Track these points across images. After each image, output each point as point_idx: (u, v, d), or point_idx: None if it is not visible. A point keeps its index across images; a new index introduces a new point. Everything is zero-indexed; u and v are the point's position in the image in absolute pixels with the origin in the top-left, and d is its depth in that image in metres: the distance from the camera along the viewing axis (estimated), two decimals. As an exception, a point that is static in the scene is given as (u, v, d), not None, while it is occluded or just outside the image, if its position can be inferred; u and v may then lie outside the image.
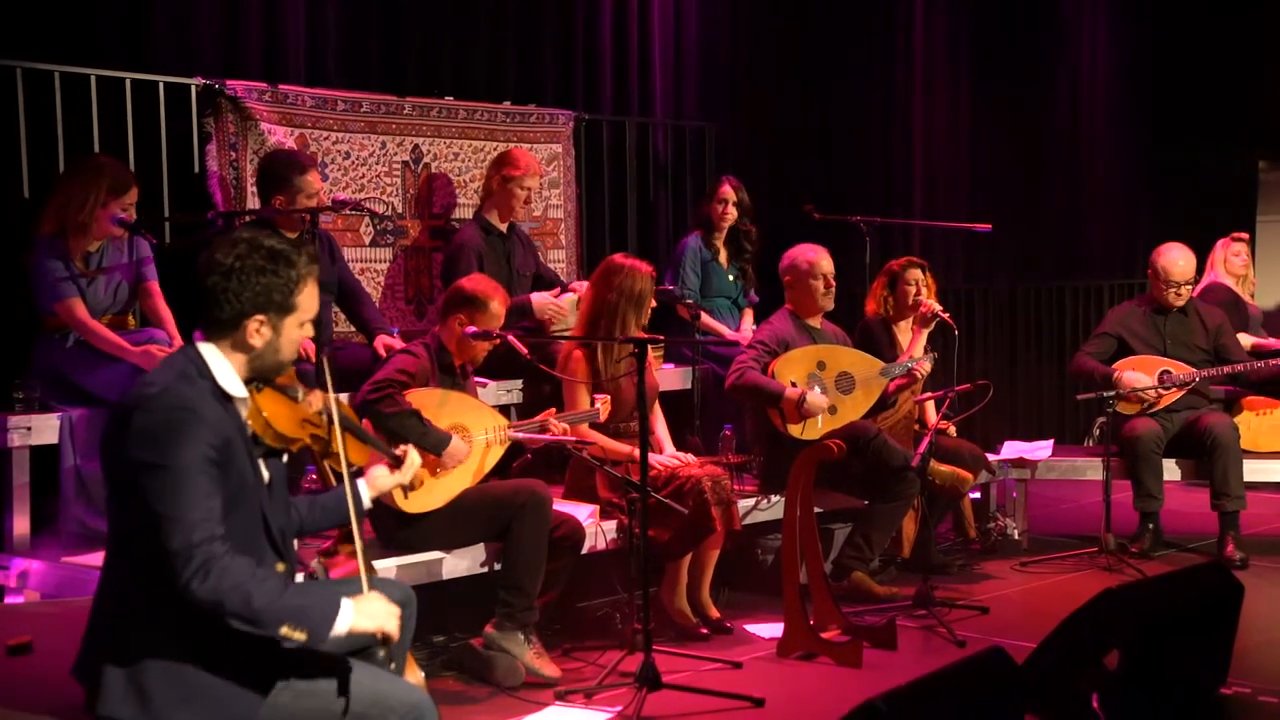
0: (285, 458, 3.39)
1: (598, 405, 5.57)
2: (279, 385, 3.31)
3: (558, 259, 7.41)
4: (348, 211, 6.24)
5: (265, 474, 3.28)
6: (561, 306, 6.47)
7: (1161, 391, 7.02)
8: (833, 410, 6.23)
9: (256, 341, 3.19)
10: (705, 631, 5.72)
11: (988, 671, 3.12)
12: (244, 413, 3.22)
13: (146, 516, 3.00)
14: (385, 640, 3.19)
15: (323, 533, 5.19)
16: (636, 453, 5.08)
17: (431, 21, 7.18)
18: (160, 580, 3.01)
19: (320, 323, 5.49)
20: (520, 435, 5.34)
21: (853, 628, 5.56)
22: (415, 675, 3.88)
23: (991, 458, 7.08)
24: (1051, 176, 10.47)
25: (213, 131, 6.10)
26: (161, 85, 6.05)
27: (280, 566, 3.27)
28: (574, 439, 5.53)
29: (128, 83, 5.95)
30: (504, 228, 6.63)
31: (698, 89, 8.45)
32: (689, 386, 6.78)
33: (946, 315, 6.50)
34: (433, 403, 5.14)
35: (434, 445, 5.05)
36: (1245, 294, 8.26)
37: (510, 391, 6.33)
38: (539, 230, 7.26)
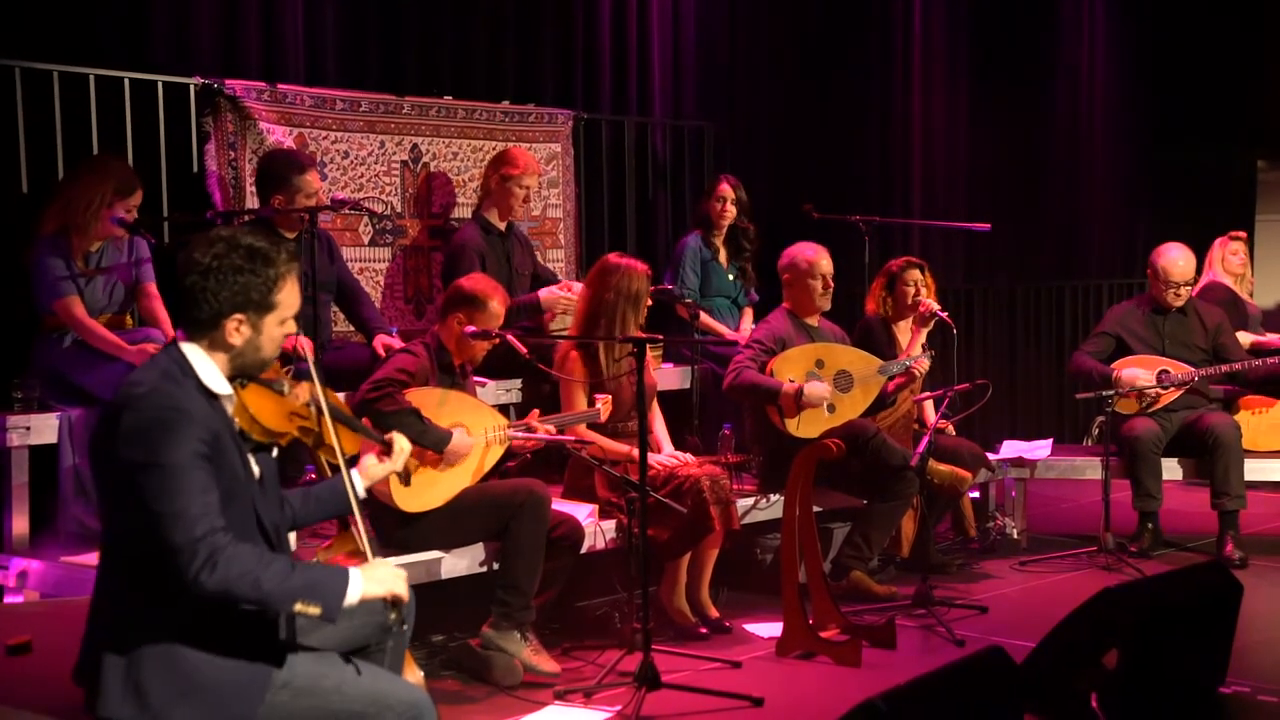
0: (275, 452, 3.38)
1: (598, 405, 5.57)
2: (263, 380, 3.30)
3: (557, 258, 7.41)
4: (347, 211, 6.23)
5: (256, 470, 3.28)
6: (571, 299, 6.46)
7: (1160, 390, 7.03)
8: (831, 409, 6.23)
9: (237, 340, 3.19)
10: (704, 631, 5.72)
11: (987, 671, 3.12)
12: (230, 410, 3.22)
13: (144, 516, 3.00)
14: (395, 603, 3.21)
15: (319, 529, 5.25)
16: (635, 452, 5.09)
17: (430, 21, 7.18)
18: (159, 579, 3.01)
19: (319, 322, 5.54)
20: (519, 436, 5.34)
21: (852, 627, 5.55)
22: (414, 674, 3.89)
23: (991, 457, 7.08)
24: (1051, 176, 10.47)
25: (211, 131, 6.09)
26: (160, 85, 6.05)
27: None
28: (573, 439, 5.53)
29: (126, 82, 5.94)
30: (503, 227, 6.63)
31: (697, 88, 8.45)
32: (688, 386, 6.78)
33: (945, 315, 6.50)
34: (432, 402, 5.14)
35: (434, 443, 5.05)
36: (1243, 293, 8.26)
37: (510, 391, 6.33)
38: (538, 230, 7.26)
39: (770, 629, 5.70)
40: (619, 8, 7.98)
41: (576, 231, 7.56)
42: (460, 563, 5.25)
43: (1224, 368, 7.08)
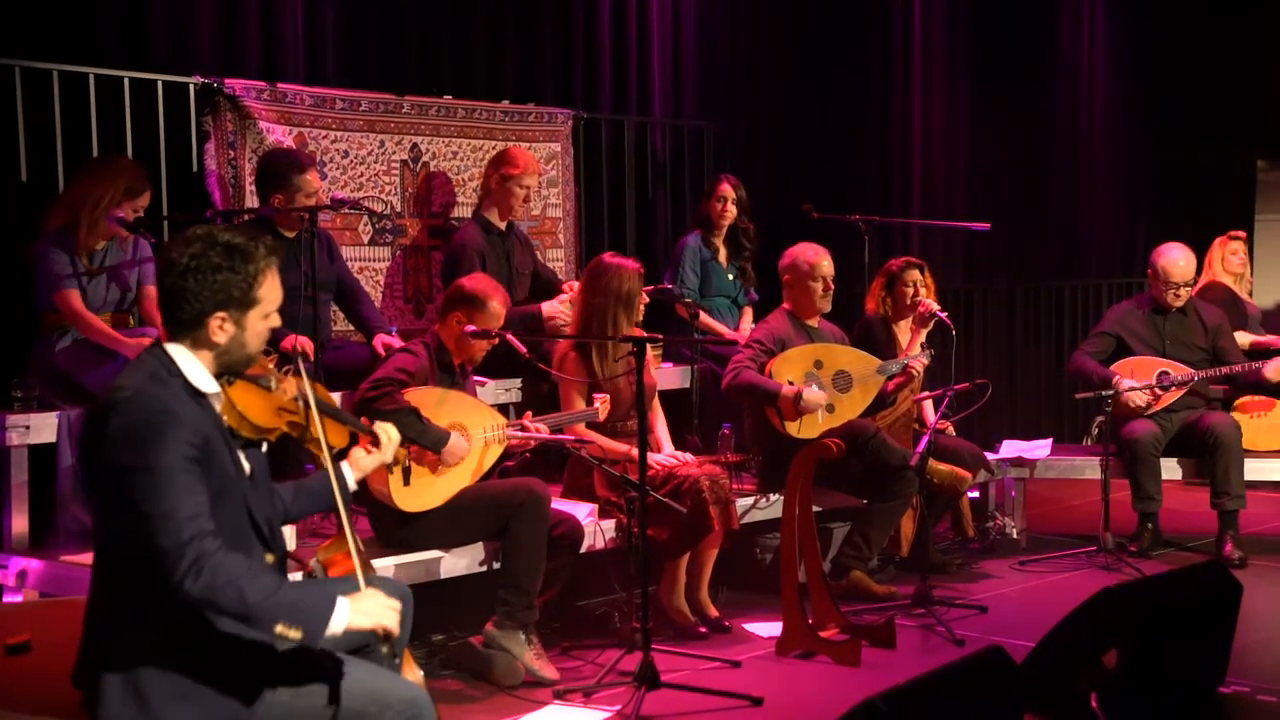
0: (265, 447, 3.38)
1: (596, 404, 5.57)
2: (250, 376, 3.30)
3: (556, 258, 7.41)
4: (346, 210, 6.23)
5: (246, 466, 3.27)
6: (568, 311, 6.48)
7: (1159, 392, 7.02)
8: (831, 409, 6.23)
9: (220, 338, 3.18)
10: (704, 630, 5.72)
11: (986, 671, 3.12)
12: (218, 407, 3.21)
13: (133, 519, 2.98)
14: (386, 637, 3.18)
15: (319, 529, 5.25)
16: (635, 452, 5.09)
17: (430, 20, 7.18)
18: (149, 581, 2.99)
19: (319, 321, 5.54)
20: (519, 436, 5.33)
21: (851, 626, 5.56)
22: (414, 674, 3.89)
23: (990, 457, 7.08)
24: (1051, 176, 10.47)
25: (211, 130, 6.09)
26: (160, 84, 6.05)
27: (269, 558, 3.27)
28: (572, 438, 5.53)
29: (126, 82, 5.94)
30: (503, 226, 6.63)
31: (696, 88, 8.45)
32: (688, 385, 6.78)
33: (944, 315, 6.50)
34: (431, 401, 5.14)
35: (433, 443, 5.05)
36: (1243, 292, 8.26)
37: (509, 390, 6.33)
38: (538, 229, 7.26)
39: (770, 628, 5.70)
40: (619, 7, 7.98)
41: (576, 231, 7.56)
42: (460, 562, 5.25)
43: (1222, 370, 7.08)
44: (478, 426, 5.23)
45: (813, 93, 9.02)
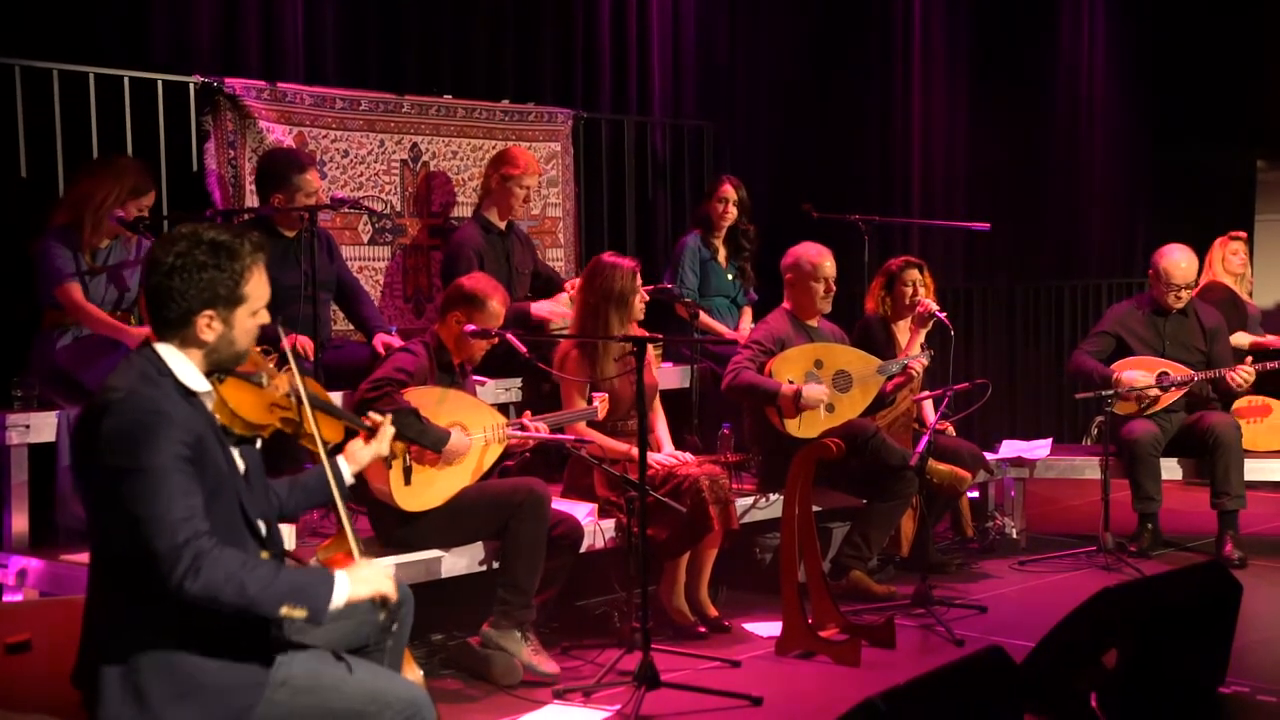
0: (259, 444, 3.37)
1: (595, 404, 5.57)
2: (241, 373, 3.30)
3: (556, 257, 7.41)
4: (346, 210, 6.23)
5: (241, 464, 3.27)
6: (559, 310, 6.48)
7: (1160, 392, 7.03)
8: (830, 409, 6.23)
9: (209, 337, 3.17)
10: (703, 630, 5.72)
11: (986, 670, 3.12)
12: (210, 406, 3.21)
13: (128, 521, 2.98)
14: (384, 603, 3.19)
15: (319, 528, 5.25)
16: (635, 451, 5.09)
17: (430, 20, 7.18)
18: (145, 580, 2.99)
19: (319, 321, 5.54)
20: (518, 435, 5.33)
21: (851, 626, 5.56)
22: (413, 673, 3.88)
23: (990, 457, 7.08)
24: (1050, 176, 10.47)
25: (211, 130, 6.09)
26: (160, 83, 6.05)
27: (264, 555, 3.26)
28: (572, 437, 5.53)
29: (126, 81, 5.94)
30: (503, 226, 6.63)
31: (696, 88, 8.45)
32: (687, 385, 6.79)
33: (943, 315, 6.50)
34: (431, 401, 5.14)
35: (434, 443, 5.04)
36: (1243, 292, 8.26)
37: (509, 390, 6.33)
38: (538, 229, 7.26)
39: (769, 628, 5.70)
40: (619, 7, 7.98)
41: (576, 231, 7.56)
42: (460, 562, 5.25)
43: (1210, 373, 7.07)
44: (477, 426, 5.23)
45: (813, 93, 9.02)
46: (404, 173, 6.78)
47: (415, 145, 6.82)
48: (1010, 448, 7.47)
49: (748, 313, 7.43)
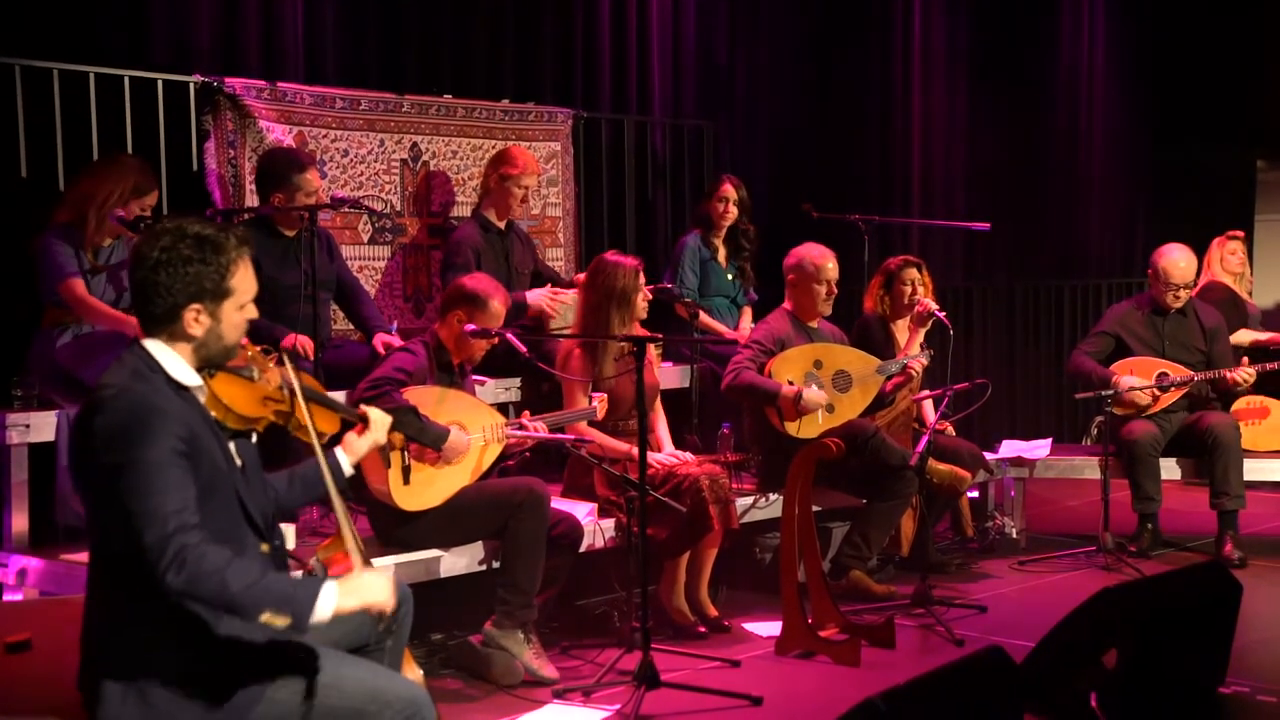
0: (254, 438, 3.37)
1: (595, 403, 5.57)
2: (232, 368, 3.29)
3: (556, 257, 7.41)
4: (346, 209, 6.23)
5: (238, 459, 3.26)
6: (556, 300, 6.47)
7: (1159, 393, 7.03)
8: (830, 409, 6.23)
9: (197, 331, 3.17)
10: (703, 630, 5.72)
11: (986, 670, 3.12)
12: (202, 400, 3.21)
13: (121, 515, 2.98)
14: (380, 615, 3.17)
15: (319, 527, 5.24)
16: (635, 451, 5.09)
17: (430, 19, 7.18)
18: (143, 578, 2.99)
19: (319, 320, 5.54)
20: (517, 435, 5.33)
21: (851, 626, 5.56)
22: (414, 673, 3.88)
23: (990, 456, 7.08)
24: (1050, 175, 10.46)
25: (211, 129, 6.10)
26: (160, 83, 6.05)
27: (264, 548, 3.26)
28: (572, 437, 5.53)
29: (126, 80, 5.95)
30: (502, 225, 6.63)
31: (696, 88, 8.45)
32: (687, 385, 6.79)
33: (943, 315, 6.50)
34: (431, 400, 5.14)
35: (433, 441, 5.04)
36: (1243, 292, 8.26)
37: (509, 389, 6.33)
38: (538, 229, 7.27)
39: (769, 628, 5.70)
40: (619, 7, 7.98)
41: (576, 230, 7.56)
42: (459, 561, 5.25)
43: (1210, 374, 7.07)
44: (477, 425, 5.23)
45: (813, 93, 9.03)
46: (404, 172, 6.78)
47: (415, 145, 6.82)
48: (1010, 448, 7.47)
49: (748, 312, 7.43)
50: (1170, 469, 7.12)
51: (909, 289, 6.76)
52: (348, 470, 3.64)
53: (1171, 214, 10.34)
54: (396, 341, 5.78)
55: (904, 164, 9.47)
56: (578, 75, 7.84)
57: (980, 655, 3.15)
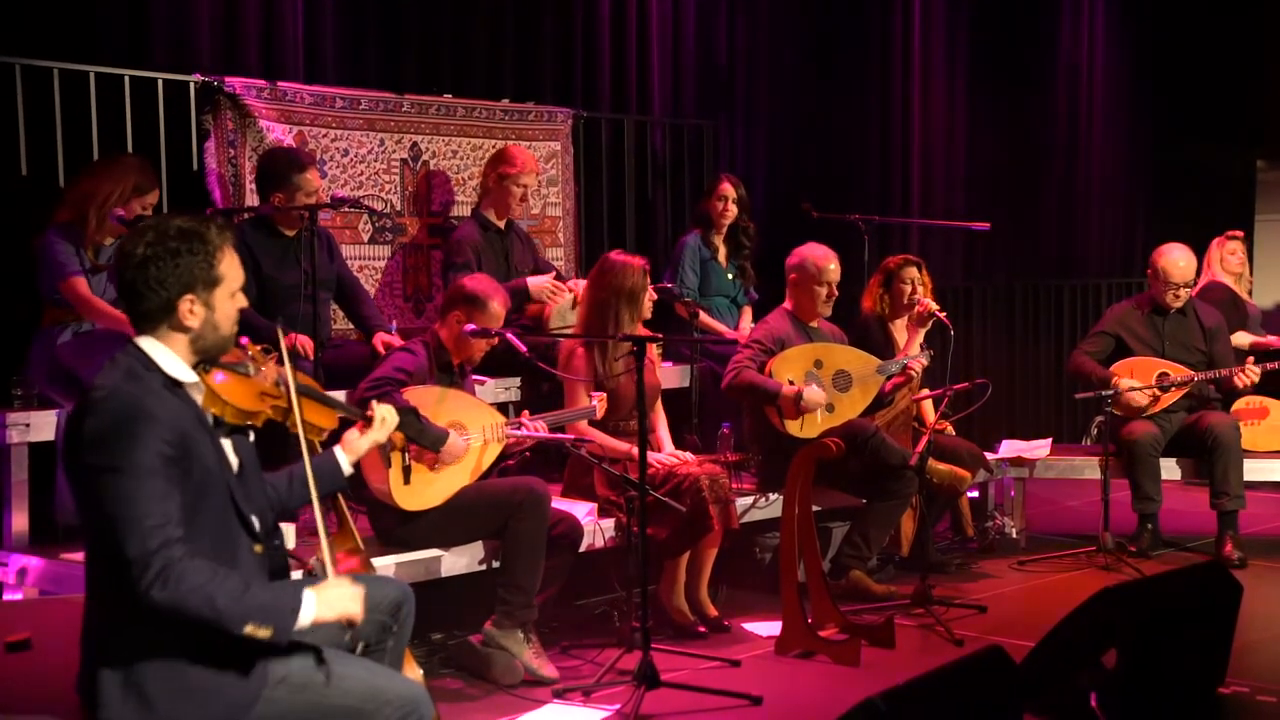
0: (252, 436, 3.36)
1: (594, 403, 5.57)
2: (227, 364, 3.29)
3: (556, 256, 7.41)
4: (346, 209, 6.23)
5: (234, 459, 3.26)
6: (559, 286, 6.48)
7: (1159, 394, 7.03)
8: (830, 408, 6.23)
9: (193, 322, 3.16)
10: (703, 630, 5.72)
11: (986, 670, 3.12)
12: (198, 398, 3.20)
13: (105, 521, 2.98)
14: (350, 625, 3.19)
15: (312, 525, 5.23)
16: (635, 451, 5.08)
17: (430, 19, 7.18)
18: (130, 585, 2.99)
19: (319, 320, 5.54)
20: (517, 435, 5.33)
21: (851, 626, 5.56)
22: (414, 672, 3.89)
23: (989, 456, 7.08)
24: (1050, 175, 10.47)
25: (211, 129, 6.09)
26: (160, 82, 6.05)
27: (257, 549, 3.26)
28: (572, 437, 5.53)
29: (126, 80, 5.94)
30: (501, 225, 6.63)
31: (697, 87, 8.45)
32: (687, 385, 6.79)
33: (943, 315, 6.50)
34: (430, 400, 5.14)
35: (432, 442, 5.02)
36: (1243, 292, 8.26)
37: (509, 389, 6.33)
38: (537, 228, 7.26)
39: (769, 628, 5.70)
40: (619, 7, 7.98)
41: (576, 230, 7.56)
42: (459, 561, 5.25)
43: (1210, 373, 7.07)
44: (476, 425, 5.23)
45: (812, 92, 9.02)
46: (404, 172, 6.78)
47: (415, 144, 6.82)
48: (1010, 447, 7.47)
49: (748, 312, 7.43)
50: (1170, 469, 7.12)
51: (909, 288, 6.75)
52: (347, 469, 3.64)
53: (1171, 214, 10.36)
54: (396, 341, 5.78)
55: (904, 164, 9.47)
56: (578, 75, 7.84)
57: (980, 655, 3.15)
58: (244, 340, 3.47)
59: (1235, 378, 6.98)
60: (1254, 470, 7.12)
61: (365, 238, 6.67)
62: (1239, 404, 7.40)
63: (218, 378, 3.24)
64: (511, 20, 7.54)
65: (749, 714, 4.78)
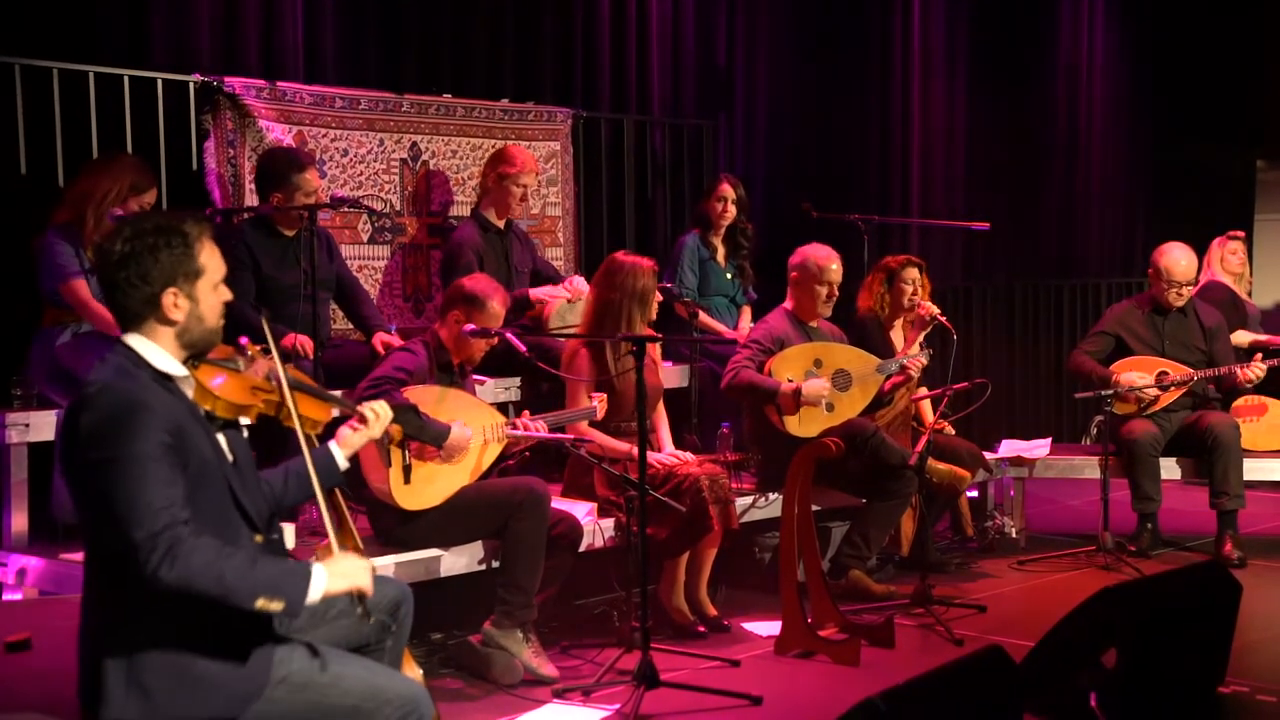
0: (245, 433, 3.36)
1: (594, 403, 5.57)
2: (216, 361, 3.29)
3: (555, 256, 7.40)
4: (346, 209, 6.23)
5: (229, 453, 3.26)
6: (564, 295, 6.47)
7: (1159, 392, 7.03)
8: (830, 408, 6.23)
9: (178, 316, 3.16)
10: (703, 629, 5.72)
11: (986, 670, 3.12)
12: (189, 392, 3.20)
13: (108, 512, 2.98)
14: (360, 597, 3.18)
15: (316, 526, 5.24)
16: (635, 451, 5.08)
17: (430, 19, 7.18)
18: (135, 576, 2.99)
19: (318, 320, 5.54)
20: (517, 435, 5.33)
21: (850, 626, 5.56)
22: (413, 672, 3.88)
23: (989, 456, 7.08)
24: (1050, 175, 10.47)
25: (211, 129, 6.09)
26: (160, 82, 6.05)
27: (258, 538, 3.26)
28: (572, 437, 5.53)
29: (126, 80, 5.94)
30: (501, 225, 6.63)
31: (696, 87, 8.45)
32: (686, 385, 6.79)
33: (944, 319, 6.50)
34: (430, 400, 5.14)
35: (434, 438, 5.04)
36: (1242, 292, 8.26)
37: (509, 389, 6.33)
38: (537, 228, 7.26)
39: (769, 628, 5.70)
40: (619, 7, 7.98)
41: (575, 230, 7.56)
42: (459, 561, 5.25)
43: (1210, 372, 7.07)
44: (477, 425, 5.23)
45: (812, 92, 9.02)
46: (403, 172, 6.78)
47: (415, 144, 6.82)
48: (1009, 447, 7.47)
49: (747, 312, 7.43)
50: (1170, 469, 7.12)
51: (909, 289, 6.75)
52: (342, 464, 3.64)
53: (1171, 214, 10.36)
54: (395, 341, 5.78)
55: (904, 164, 9.47)
56: (577, 75, 7.84)
57: (980, 655, 3.15)
58: (243, 340, 3.47)
59: (1240, 372, 6.98)
60: (1254, 470, 7.12)
61: (365, 238, 6.67)
62: (1238, 403, 7.40)
63: (214, 380, 3.24)
64: (511, 20, 7.54)
65: (749, 714, 4.78)
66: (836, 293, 6.40)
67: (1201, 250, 7.93)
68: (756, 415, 6.33)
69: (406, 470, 5.05)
